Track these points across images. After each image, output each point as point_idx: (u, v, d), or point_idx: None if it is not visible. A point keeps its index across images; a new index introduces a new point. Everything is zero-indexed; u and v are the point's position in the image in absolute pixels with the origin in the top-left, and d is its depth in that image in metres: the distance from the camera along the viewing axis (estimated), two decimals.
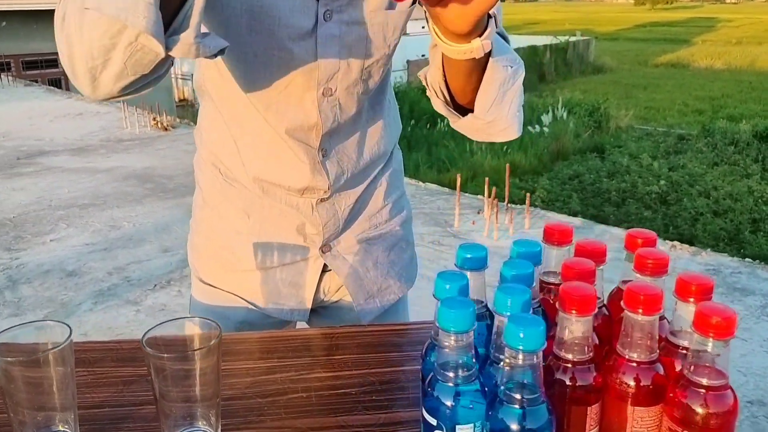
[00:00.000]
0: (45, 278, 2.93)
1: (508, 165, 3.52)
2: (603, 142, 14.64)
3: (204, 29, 0.65)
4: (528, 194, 3.26)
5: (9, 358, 0.60)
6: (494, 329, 0.57)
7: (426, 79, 0.81)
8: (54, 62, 11.74)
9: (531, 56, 25.45)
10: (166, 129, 5.96)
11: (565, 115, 15.56)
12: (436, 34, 0.70)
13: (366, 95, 0.92)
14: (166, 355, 0.60)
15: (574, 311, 0.54)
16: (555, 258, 0.66)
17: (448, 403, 0.54)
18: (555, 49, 27.28)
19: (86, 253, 3.16)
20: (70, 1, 0.64)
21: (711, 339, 0.51)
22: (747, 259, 3.14)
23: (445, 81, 0.79)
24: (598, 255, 0.64)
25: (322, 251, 0.99)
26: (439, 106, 0.83)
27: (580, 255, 0.64)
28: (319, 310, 1.09)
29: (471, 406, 0.53)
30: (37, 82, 10.57)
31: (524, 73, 0.80)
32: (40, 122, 6.53)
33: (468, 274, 0.62)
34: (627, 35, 40.86)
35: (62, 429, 0.66)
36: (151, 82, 0.69)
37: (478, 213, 3.56)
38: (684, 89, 22.53)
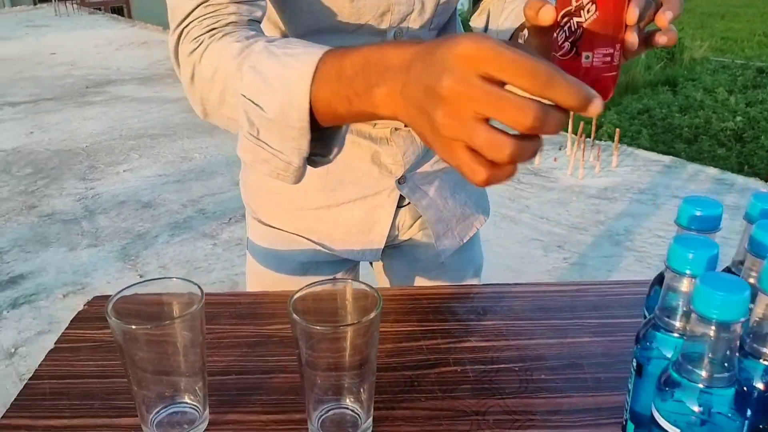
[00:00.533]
0: (121, 209, 2.93)
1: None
2: (676, 74, 13.90)
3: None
4: (618, 130, 3.05)
5: (134, 326, 0.51)
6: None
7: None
8: None
9: None
10: None
11: None
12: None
13: (435, 31, 0.85)
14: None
15: None
16: None
17: (696, 408, 0.42)
18: None
19: (160, 185, 3.14)
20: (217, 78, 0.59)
21: None
22: None
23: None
24: None
25: (398, 182, 0.90)
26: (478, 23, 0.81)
27: None
28: (390, 250, 0.99)
29: (730, 414, 0.41)
30: (100, 10, 10.58)
31: None
32: (105, 51, 6.54)
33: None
34: None
35: (189, 401, 0.58)
36: None
37: (560, 149, 3.37)
38: (765, 18, 21.01)
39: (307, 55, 0.52)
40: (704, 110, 11.22)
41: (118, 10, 11.48)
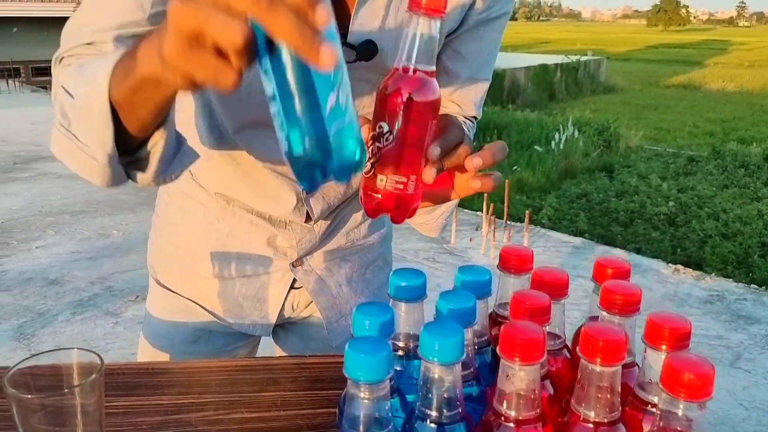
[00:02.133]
0: (25, 286, 2.85)
1: (507, 181, 3.42)
2: (612, 161, 14.57)
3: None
4: (528, 211, 3.16)
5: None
6: (420, 377, 0.47)
7: None
8: None
9: (541, 75, 25.45)
10: None
11: (575, 133, 15.50)
12: None
13: None
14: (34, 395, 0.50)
15: (516, 358, 0.44)
16: (511, 288, 0.56)
17: None
18: (566, 68, 27.32)
19: (71, 262, 3.08)
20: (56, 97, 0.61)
21: (682, 400, 0.41)
22: (753, 285, 3.02)
23: None
24: (558, 287, 0.54)
25: (293, 265, 0.93)
26: None
27: (537, 286, 0.55)
28: (287, 325, 1.02)
29: None
30: (45, 88, 10.60)
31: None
32: (42, 128, 6.51)
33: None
34: (639, 56, 40.83)
35: None
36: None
37: (477, 230, 3.47)
38: (695, 111, 22.42)
39: (119, 52, 0.54)
40: (639, 195, 11.72)
41: None
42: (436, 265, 3.05)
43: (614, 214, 10.57)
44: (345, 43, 0.71)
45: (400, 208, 0.57)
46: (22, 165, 4.96)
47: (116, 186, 0.64)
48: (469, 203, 3.36)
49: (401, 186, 0.56)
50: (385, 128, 0.53)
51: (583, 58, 28.41)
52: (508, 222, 3.38)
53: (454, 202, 0.77)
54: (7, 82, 9.08)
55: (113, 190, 3.17)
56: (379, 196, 0.56)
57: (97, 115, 0.55)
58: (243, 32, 0.38)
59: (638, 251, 9.40)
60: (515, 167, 13.53)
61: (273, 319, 0.95)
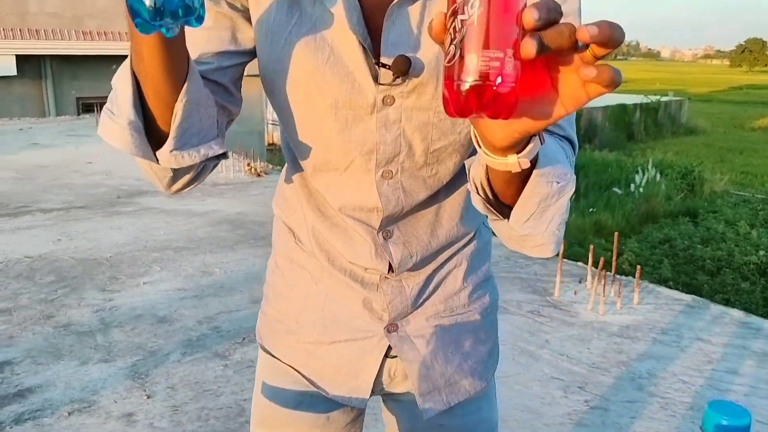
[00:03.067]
0: (136, 323, 2.92)
1: (616, 234, 3.29)
2: (696, 206, 14.04)
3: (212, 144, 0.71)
4: (639, 267, 3.02)
5: None
6: None
7: (469, 172, 0.70)
8: None
9: (620, 114, 24.95)
10: (259, 175, 6.06)
11: (657, 176, 15.06)
12: (476, 139, 0.60)
13: (437, 178, 0.84)
14: None
15: None
16: None
17: None
18: (645, 108, 26.71)
19: (178, 299, 3.15)
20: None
21: None
22: None
23: (488, 180, 0.68)
24: None
25: (387, 330, 0.90)
26: (477, 202, 0.69)
27: None
28: (391, 401, 0.99)
29: None
30: None
31: (573, 189, 0.69)
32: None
33: None
34: (721, 97, 39.47)
35: None
36: (196, 178, 0.74)
37: (580, 282, 3.34)
38: None
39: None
40: (726, 243, 11.20)
41: None
42: (541, 319, 2.95)
43: (700, 262, 10.11)
44: (379, 63, 0.73)
45: (500, 98, 0.45)
46: (126, 199, 5.16)
47: (140, 156, 0.67)
48: (573, 252, 3.24)
49: (497, 63, 0.44)
50: None
51: (664, 99, 27.71)
52: (616, 275, 3.24)
53: (566, 200, 0.68)
54: None
55: (211, 229, 3.26)
56: (470, 81, 0.44)
57: (123, 80, 0.63)
58: None
59: (726, 302, 8.91)
60: (592, 209, 13.20)
61: (368, 388, 0.92)
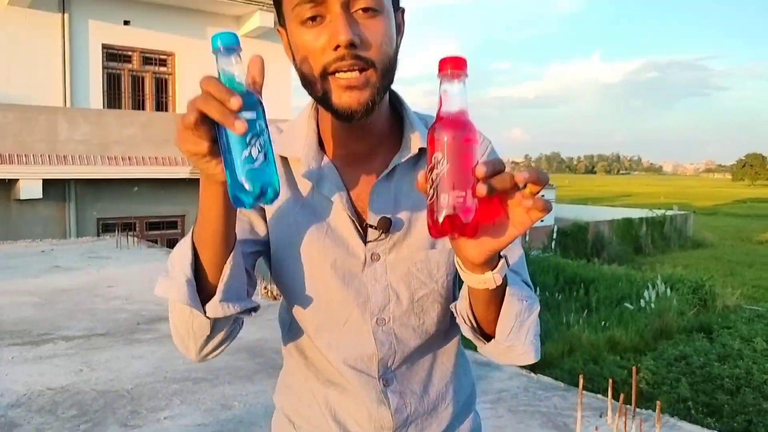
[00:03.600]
0: None
1: (635, 368, 3.34)
2: (710, 321, 13.87)
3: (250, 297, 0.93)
4: (659, 402, 3.05)
5: None
6: None
7: (456, 308, 0.93)
8: (173, 224, 12.75)
9: (626, 228, 25.21)
10: (275, 298, 6.16)
11: (667, 290, 15.00)
12: (459, 266, 0.81)
13: (424, 329, 1.01)
14: None
15: None
16: None
17: None
18: (651, 222, 26.98)
19: None
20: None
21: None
22: None
23: (471, 309, 0.90)
24: None
25: None
26: (467, 331, 0.92)
27: None
28: None
29: None
30: (156, 242, 11.43)
31: (539, 307, 0.91)
32: None
33: None
34: (726, 210, 39.96)
35: None
36: (228, 338, 0.92)
37: (600, 416, 3.35)
38: None
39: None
40: (744, 360, 10.98)
41: (172, 243, 12.38)
42: None
43: (718, 381, 9.89)
44: (367, 224, 0.95)
45: (465, 222, 0.68)
46: (146, 325, 5.26)
47: (192, 306, 0.83)
48: (588, 369, 3.26)
49: (461, 199, 0.67)
50: (439, 157, 0.68)
51: (669, 212, 28.07)
52: (636, 409, 3.26)
53: (534, 313, 0.89)
54: (127, 238, 9.87)
55: (229, 358, 3.32)
56: (444, 212, 0.68)
57: (183, 249, 0.83)
58: (194, 117, 0.69)
59: (749, 423, 8.61)
60: (604, 322, 13.06)
61: None
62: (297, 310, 1.01)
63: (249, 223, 0.98)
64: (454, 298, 1.01)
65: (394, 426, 1.02)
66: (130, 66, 12.87)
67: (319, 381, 1.05)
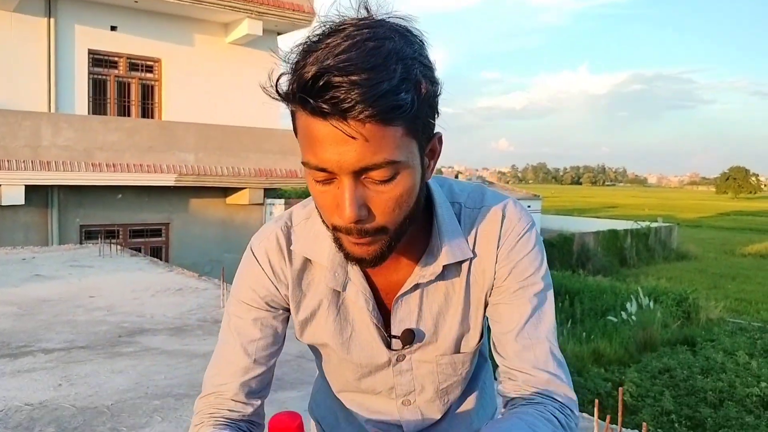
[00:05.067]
0: None
1: (621, 389, 3.32)
2: (694, 334, 13.96)
3: None
4: (645, 424, 3.03)
5: None
6: None
7: None
8: (158, 231, 12.62)
9: (611, 240, 25.36)
10: None
11: (650, 303, 15.09)
12: None
13: (448, 405, 1.05)
14: None
15: None
16: None
17: None
18: (636, 233, 27.17)
19: None
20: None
21: None
22: None
23: None
24: None
25: None
26: None
27: None
28: None
29: None
30: (140, 250, 11.30)
31: None
32: (142, 296, 6.85)
33: None
34: (710, 223, 40.35)
35: None
36: None
37: None
38: None
39: None
40: (726, 373, 11.04)
41: (156, 251, 12.26)
42: None
43: (701, 394, 9.94)
44: (390, 335, 0.96)
45: None
46: (127, 338, 5.18)
47: None
48: (573, 381, 3.25)
49: None
50: None
51: (654, 225, 28.28)
52: (622, 429, 3.24)
53: None
54: (110, 246, 9.75)
55: None
56: None
57: None
58: None
59: None
60: (589, 335, 13.09)
61: None
62: (326, 372, 1.08)
63: (272, 335, 1.00)
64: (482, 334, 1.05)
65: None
66: (116, 72, 12.76)
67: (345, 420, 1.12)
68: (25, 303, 6.34)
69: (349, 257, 0.83)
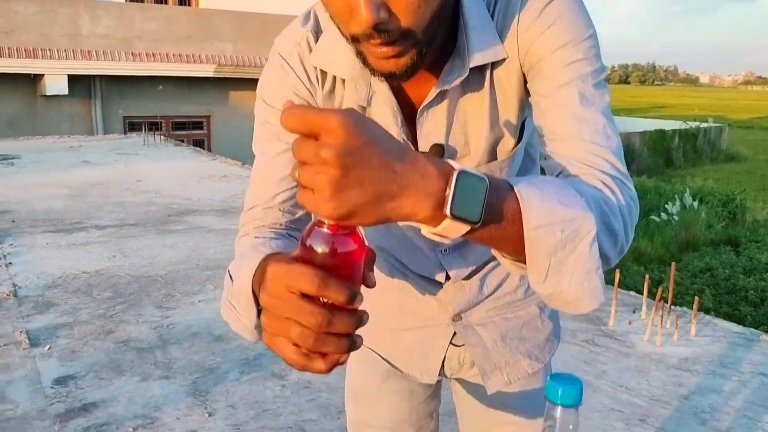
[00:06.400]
0: (194, 340, 2.98)
1: (674, 264, 3.25)
2: (738, 235, 13.71)
3: None
4: (696, 298, 2.98)
5: None
6: None
7: None
8: (199, 124, 12.65)
9: (658, 140, 24.62)
10: None
11: (695, 203, 14.79)
12: None
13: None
14: None
15: None
16: None
17: None
18: (684, 134, 26.28)
19: None
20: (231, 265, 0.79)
21: None
22: None
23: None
24: None
25: (453, 320, 1.03)
26: (508, 265, 0.69)
27: None
28: (457, 382, 1.14)
29: None
30: (183, 141, 11.38)
31: (593, 231, 0.62)
32: (188, 182, 6.93)
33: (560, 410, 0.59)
34: (763, 124, 38.67)
35: None
36: None
37: (634, 312, 3.30)
38: None
39: (259, 256, 0.69)
40: None
41: (199, 143, 12.34)
42: (597, 349, 2.92)
43: (743, 293, 9.86)
44: (417, 151, 0.84)
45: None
46: (176, 218, 5.27)
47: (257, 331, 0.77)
48: (611, 278, 3.19)
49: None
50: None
51: (703, 125, 27.27)
52: (672, 306, 3.20)
53: (586, 248, 0.62)
54: (154, 136, 9.83)
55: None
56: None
57: (246, 302, 0.71)
58: (313, 339, 0.56)
59: None
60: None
61: (436, 368, 1.06)
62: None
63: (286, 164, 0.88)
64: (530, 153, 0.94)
65: (453, 280, 1.00)
66: None
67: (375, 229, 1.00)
68: (76, 186, 6.49)
69: (376, 73, 0.74)
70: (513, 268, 0.68)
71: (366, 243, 0.58)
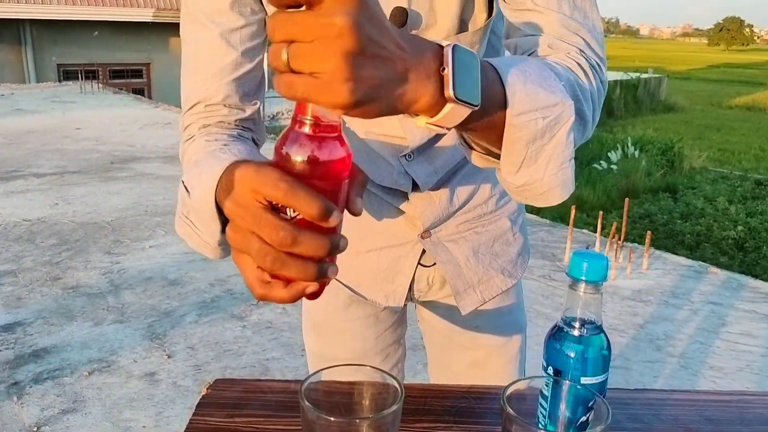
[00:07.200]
0: (147, 285, 2.89)
1: (627, 200, 3.32)
2: (676, 182, 14.19)
3: None
4: (649, 232, 3.06)
5: (327, 417, 0.48)
6: None
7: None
8: (139, 72, 12.12)
9: None
10: None
11: (636, 152, 15.18)
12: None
13: None
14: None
15: None
16: None
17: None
18: (625, 85, 26.80)
19: (186, 263, 3.11)
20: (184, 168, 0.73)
21: None
22: None
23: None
24: None
25: (421, 237, 0.95)
26: (475, 158, 0.65)
27: None
28: (424, 306, 1.08)
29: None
30: (122, 90, 10.89)
31: (572, 118, 0.59)
32: (130, 129, 6.67)
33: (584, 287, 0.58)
34: (700, 75, 39.83)
35: None
36: None
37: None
38: (761, 133, 21.70)
39: (221, 162, 0.63)
40: (705, 218, 11.37)
41: (138, 92, 11.83)
42: (554, 283, 2.97)
43: (680, 237, 10.27)
44: None
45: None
46: (120, 165, 5.07)
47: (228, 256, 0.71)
48: (576, 219, 3.25)
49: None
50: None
51: (643, 76, 27.84)
52: (625, 243, 3.28)
53: (563, 136, 0.59)
54: (91, 84, 9.37)
55: None
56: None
57: (208, 215, 0.64)
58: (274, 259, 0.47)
59: None
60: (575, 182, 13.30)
61: (404, 291, 0.98)
62: None
63: (256, 23, 0.80)
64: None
65: (422, 189, 0.92)
66: None
67: None
68: (10, 133, 6.16)
69: None
70: (480, 161, 0.64)
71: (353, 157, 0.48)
